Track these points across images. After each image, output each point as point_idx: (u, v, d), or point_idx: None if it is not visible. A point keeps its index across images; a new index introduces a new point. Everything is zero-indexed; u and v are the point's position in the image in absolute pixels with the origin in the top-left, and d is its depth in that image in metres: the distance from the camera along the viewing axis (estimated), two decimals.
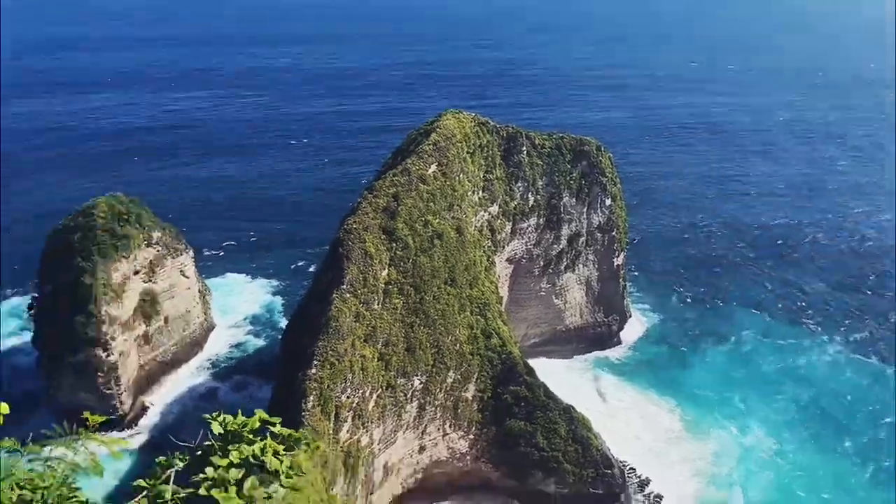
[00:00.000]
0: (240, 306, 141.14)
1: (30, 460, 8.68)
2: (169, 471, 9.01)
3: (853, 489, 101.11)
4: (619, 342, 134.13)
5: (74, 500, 8.62)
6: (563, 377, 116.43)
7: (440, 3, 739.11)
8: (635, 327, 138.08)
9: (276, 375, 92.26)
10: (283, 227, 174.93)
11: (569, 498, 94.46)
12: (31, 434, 9.02)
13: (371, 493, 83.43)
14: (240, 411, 10.00)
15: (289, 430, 9.74)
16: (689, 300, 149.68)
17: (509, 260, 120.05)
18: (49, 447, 8.85)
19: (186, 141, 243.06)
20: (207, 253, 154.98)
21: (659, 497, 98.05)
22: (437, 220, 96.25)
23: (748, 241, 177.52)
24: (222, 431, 9.52)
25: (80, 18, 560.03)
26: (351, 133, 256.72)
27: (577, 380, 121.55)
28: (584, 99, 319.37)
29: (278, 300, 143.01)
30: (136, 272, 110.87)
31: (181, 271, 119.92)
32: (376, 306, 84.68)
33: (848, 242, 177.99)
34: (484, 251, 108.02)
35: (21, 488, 8.41)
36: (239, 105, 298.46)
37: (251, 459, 8.99)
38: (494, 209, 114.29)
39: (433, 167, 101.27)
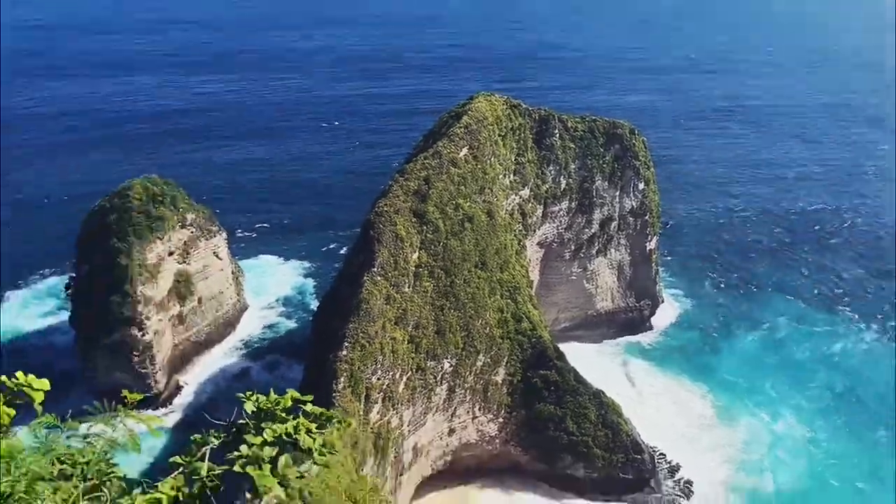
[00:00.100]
0: (272, 288, 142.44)
1: (69, 436, 8.84)
2: (204, 448, 9.12)
3: (887, 479, 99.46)
4: (651, 327, 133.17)
5: (112, 475, 8.78)
6: (593, 362, 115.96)
7: None
8: (667, 312, 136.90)
9: (308, 357, 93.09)
10: (315, 209, 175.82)
11: (598, 482, 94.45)
12: (69, 412, 9.19)
13: (401, 475, 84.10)
14: (272, 390, 10.10)
15: (321, 409, 9.82)
16: (722, 285, 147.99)
17: (540, 244, 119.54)
18: (88, 424, 9.01)
19: (218, 123, 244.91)
20: (240, 235, 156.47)
21: (689, 483, 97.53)
22: (468, 204, 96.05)
23: (784, 226, 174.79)
24: (255, 410, 9.63)
25: (115, 1, 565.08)
26: (381, 115, 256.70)
27: (607, 364, 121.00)
28: (618, 81, 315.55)
29: (310, 282, 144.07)
30: (171, 253, 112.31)
31: (214, 252, 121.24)
32: (407, 289, 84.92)
33: (887, 228, 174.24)
34: (515, 235, 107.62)
35: (62, 463, 8.59)
36: (270, 87, 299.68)
37: (284, 437, 9.08)
38: (526, 192, 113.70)
39: (464, 150, 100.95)
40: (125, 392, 9.31)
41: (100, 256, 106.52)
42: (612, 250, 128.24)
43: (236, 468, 8.60)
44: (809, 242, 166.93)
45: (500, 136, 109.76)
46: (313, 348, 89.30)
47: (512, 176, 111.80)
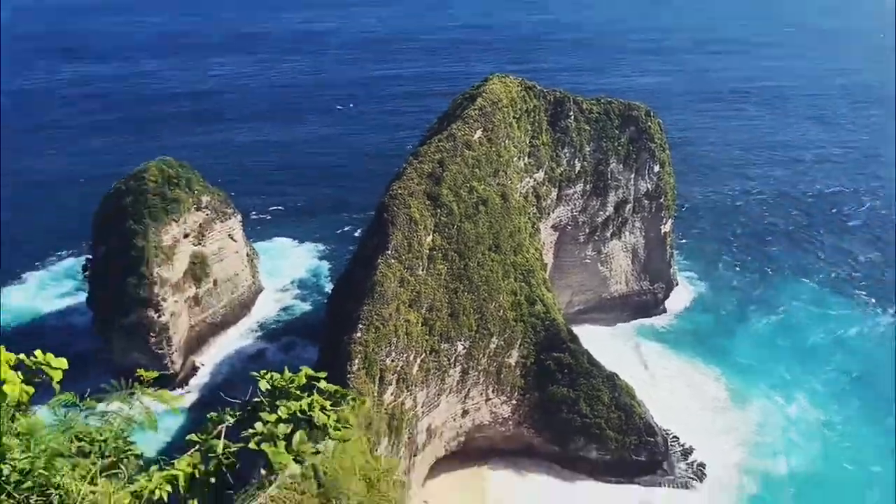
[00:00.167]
0: (287, 270, 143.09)
1: (87, 415, 8.96)
2: (220, 426, 9.24)
3: None
4: (665, 310, 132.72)
5: (130, 452, 8.89)
6: (606, 344, 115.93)
7: None
8: (682, 295, 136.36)
9: (322, 339, 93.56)
10: (330, 192, 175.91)
11: (611, 465, 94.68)
12: (87, 391, 9.30)
13: (414, 455, 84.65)
14: (286, 370, 10.19)
15: (335, 387, 9.89)
16: (737, 268, 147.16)
17: (554, 227, 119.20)
18: (105, 402, 9.13)
19: (233, 106, 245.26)
20: (255, 217, 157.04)
21: (702, 465, 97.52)
22: (483, 187, 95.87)
23: (801, 209, 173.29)
24: (270, 388, 9.72)
25: None
26: (396, 98, 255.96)
27: (620, 347, 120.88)
28: (633, 63, 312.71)
29: (324, 264, 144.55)
30: (186, 235, 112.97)
31: (230, 235, 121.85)
32: (421, 272, 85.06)
33: None
34: (529, 218, 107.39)
35: (80, 440, 8.71)
36: (284, 70, 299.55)
37: (299, 414, 9.17)
38: (540, 175, 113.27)
39: (479, 133, 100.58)
40: (140, 371, 9.42)
41: (116, 238, 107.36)
42: (627, 233, 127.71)
43: (251, 445, 8.70)
44: (826, 225, 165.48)
45: (514, 118, 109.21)
46: (328, 330, 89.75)
47: (526, 158, 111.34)
